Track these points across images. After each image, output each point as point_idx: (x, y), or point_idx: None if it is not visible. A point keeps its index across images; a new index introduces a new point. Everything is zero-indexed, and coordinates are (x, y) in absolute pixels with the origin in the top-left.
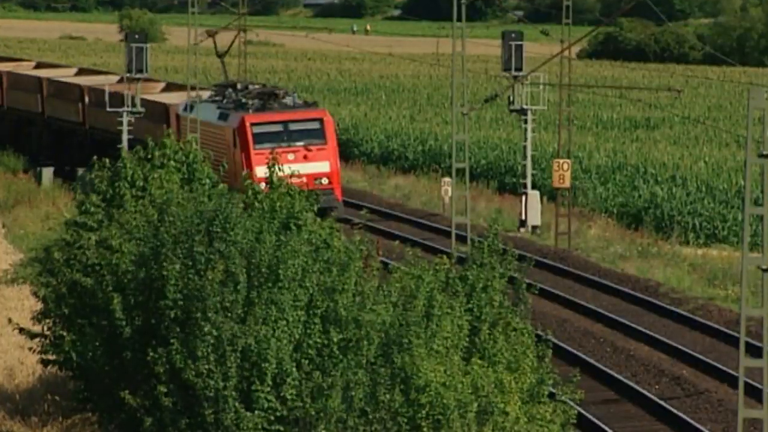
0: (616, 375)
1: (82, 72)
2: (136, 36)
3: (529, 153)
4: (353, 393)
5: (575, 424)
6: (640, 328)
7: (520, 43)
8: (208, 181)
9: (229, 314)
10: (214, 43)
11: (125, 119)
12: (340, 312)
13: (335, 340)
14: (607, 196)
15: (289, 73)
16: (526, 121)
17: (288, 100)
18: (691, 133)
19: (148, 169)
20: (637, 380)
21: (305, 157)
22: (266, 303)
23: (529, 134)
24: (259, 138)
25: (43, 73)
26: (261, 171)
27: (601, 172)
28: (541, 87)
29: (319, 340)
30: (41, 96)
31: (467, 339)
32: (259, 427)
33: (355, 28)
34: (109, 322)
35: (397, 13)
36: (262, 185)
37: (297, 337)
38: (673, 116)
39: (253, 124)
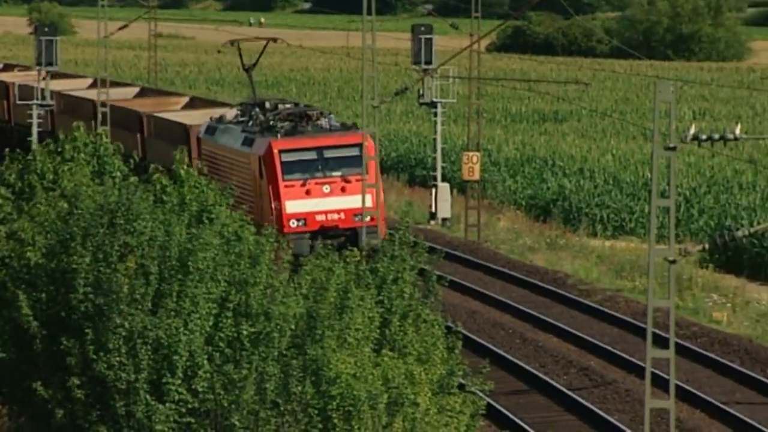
0: (525, 366)
1: (6, 68)
2: (46, 29)
3: (439, 146)
4: (265, 385)
5: (484, 414)
6: (548, 320)
7: (429, 36)
8: (118, 173)
9: (140, 306)
10: (240, 55)
11: (35, 112)
12: (251, 305)
13: (247, 332)
14: (516, 188)
15: (200, 66)
16: (435, 114)
17: (323, 122)
18: (599, 126)
19: (58, 162)
20: (545, 371)
21: (343, 190)
22: (177, 295)
23: (439, 127)
24: (289, 167)
25: None
26: (291, 206)
27: (510, 164)
28: (451, 80)
29: (230, 333)
30: None
31: (378, 331)
32: (171, 419)
33: (252, 21)
34: (17, 314)
35: (307, 6)
36: (294, 222)
37: (208, 329)
38: (580, 109)
39: (282, 151)
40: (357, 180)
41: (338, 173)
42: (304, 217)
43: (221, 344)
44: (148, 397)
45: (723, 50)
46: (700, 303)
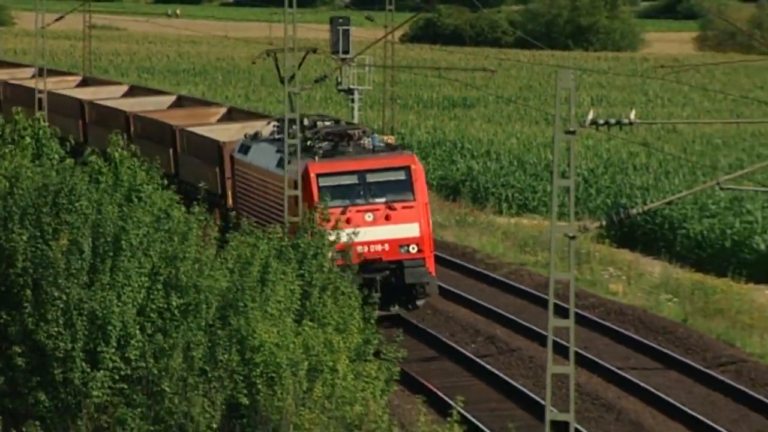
0: (435, 334)
1: None
2: None
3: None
4: (193, 353)
5: (398, 380)
6: (458, 291)
7: (347, 28)
8: (56, 156)
9: (76, 280)
10: (276, 65)
11: None
12: (180, 278)
13: (176, 304)
14: (428, 169)
15: (132, 55)
16: (353, 101)
17: (366, 142)
18: (504, 111)
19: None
20: (455, 339)
21: (387, 218)
22: (111, 270)
23: (356, 112)
24: (329, 192)
25: None
26: (330, 236)
27: (422, 147)
28: (367, 68)
29: (161, 305)
30: None
31: (299, 302)
32: (105, 385)
33: (169, 12)
34: None
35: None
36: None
37: (140, 301)
38: (487, 96)
39: (319, 176)
40: (403, 207)
41: (382, 200)
42: (344, 249)
43: (152, 315)
44: (84, 364)
45: (618, 41)
46: (597, 276)
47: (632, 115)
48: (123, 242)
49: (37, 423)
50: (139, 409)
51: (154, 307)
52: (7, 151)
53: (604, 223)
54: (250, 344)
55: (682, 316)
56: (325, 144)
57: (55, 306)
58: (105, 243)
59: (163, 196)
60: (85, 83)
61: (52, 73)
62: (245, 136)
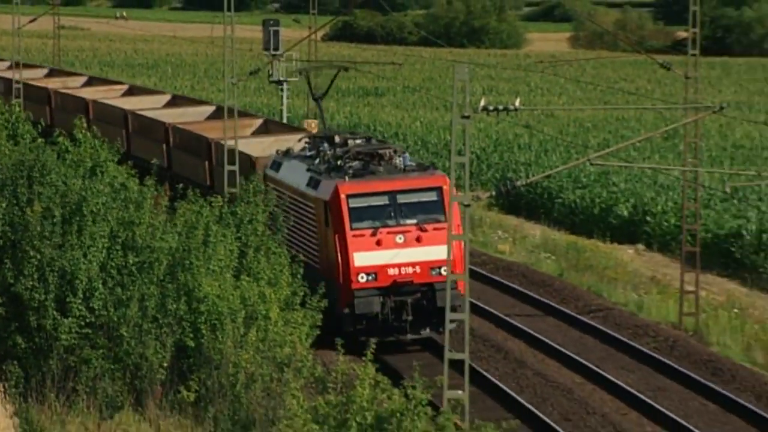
0: None
1: None
2: None
3: (285, 115)
4: (147, 304)
5: (320, 326)
6: None
7: (276, 28)
8: (28, 136)
9: (48, 242)
10: (309, 83)
11: None
12: (136, 240)
13: (132, 262)
14: None
15: (94, 51)
16: (282, 90)
17: (397, 162)
18: (410, 99)
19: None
20: None
21: (419, 240)
22: (77, 233)
23: (285, 100)
24: (358, 214)
25: None
26: (360, 258)
27: (342, 128)
28: (294, 63)
29: (119, 262)
30: None
31: (237, 261)
32: (72, 330)
33: (117, 15)
34: None
35: (179, 4)
36: (363, 277)
37: (102, 259)
38: (395, 86)
39: (350, 196)
40: (435, 229)
41: (413, 221)
42: (375, 272)
43: (112, 271)
44: (55, 313)
45: (505, 40)
46: (488, 238)
47: (517, 103)
48: (84, 209)
49: (15, 362)
50: (101, 351)
51: (113, 264)
52: None
53: (493, 193)
54: (195, 296)
55: (558, 271)
56: (355, 163)
57: (31, 263)
58: (71, 210)
59: (120, 170)
60: (90, 83)
61: (60, 73)
62: (277, 152)
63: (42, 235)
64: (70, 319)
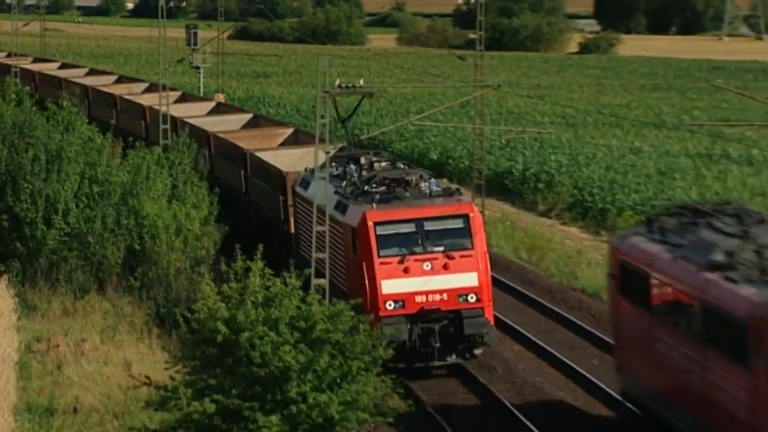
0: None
1: None
2: None
3: (201, 89)
4: (107, 220)
5: (228, 234)
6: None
7: (195, 30)
8: (29, 103)
9: (37, 177)
10: (335, 106)
11: None
12: (98, 176)
13: (96, 191)
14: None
15: (68, 46)
16: (199, 73)
17: (423, 187)
18: (288, 80)
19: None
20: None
21: (446, 267)
22: (57, 171)
23: (201, 80)
24: (386, 241)
25: None
26: (388, 286)
27: (240, 101)
28: (208, 54)
29: (88, 191)
30: None
31: (170, 190)
32: (55, 238)
33: (76, 20)
34: None
35: (128, 14)
36: (390, 304)
37: (75, 189)
38: (278, 71)
39: (377, 224)
40: (461, 256)
41: (440, 248)
42: (402, 299)
43: (83, 197)
44: (42, 226)
45: (353, 39)
46: None
47: (361, 82)
48: (62, 154)
49: (15, 260)
50: (75, 252)
51: (83, 192)
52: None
53: (345, 144)
54: (140, 214)
55: None
56: (382, 188)
57: (25, 192)
58: (52, 155)
59: (90, 130)
60: (150, 90)
61: (126, 78)
62: (305, 170)
63: (32, 172)
64: (53, 230)
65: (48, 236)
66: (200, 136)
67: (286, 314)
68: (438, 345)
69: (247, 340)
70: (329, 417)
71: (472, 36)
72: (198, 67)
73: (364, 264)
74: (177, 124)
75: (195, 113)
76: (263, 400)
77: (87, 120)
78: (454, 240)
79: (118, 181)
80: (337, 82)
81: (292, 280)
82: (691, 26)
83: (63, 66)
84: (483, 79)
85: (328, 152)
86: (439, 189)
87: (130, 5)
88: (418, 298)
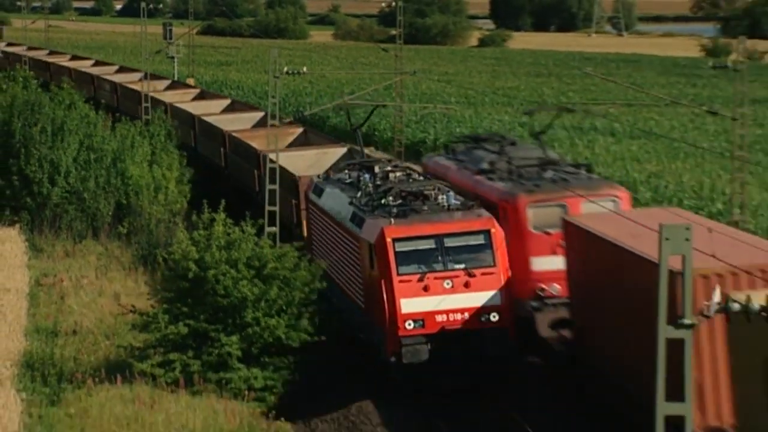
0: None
1: None
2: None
3: (176, 75)
4: (99, 179)
5: (191, 182)
6: None
7: (170, 27)
8: (34, 86)
9: (44, 145)
10: (348, 116)
11: None
12: (94, 144)
13: (92, 157)
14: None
15: (68, 39)
16: (174, 61)
17: (442, 200)
18: (246, 67)
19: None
20: None
21: (467, 285)
22: (60, 140)
23: (176, 67)
24: (405, 258)
25: None
26: (407, 305)
27: (207, 84)
28: (180, 46)
29: (84, 157)
30: None
31: (150, 156)
32: (58, 194)
33: (70, 18)
34: None
35: (116, 14)
36: (410, 324)
37: (74, 156)
38: (238, 60)
39: (396, 240)
40: (483, 274)
41: (461, 265)
42: (422, 318)
43: (80, 162)
44: (48, 185)
45: (299, 34)
46: None
47: (304, 69)
48: (64, 127)
49: (26, 212)
50: (74, 205)
51: (81, 158)
52: (11, 84)
53: (293, 119)
54: (126, 175)
55: None
56: (399, 201)
57: (34, 157)
58: (57, 128)
59: (86, 108)
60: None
61: (124, 69)
62: (318, 176)
63: (40, 141)
64: (56, 188)
65: (52, 193)
66: (216, 134)
67: (243, 255)
68: (459, 366)
69: (212, 276)
70: (277, 337)
71: (393, 32)
72: (173, 57)
73: (382, 282)
74: (195, 121)
75: (212, 111)
76: (225, 323)
77: (92, 100)
78: (476, 257)
79: (109, 148)
80: (285, 69)
81: (249, 228)
82: (567, 25)
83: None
84: (402, 67)
85: (277, 125)
86: (458, 202)
87: (118, 6)
88: (439, 318)
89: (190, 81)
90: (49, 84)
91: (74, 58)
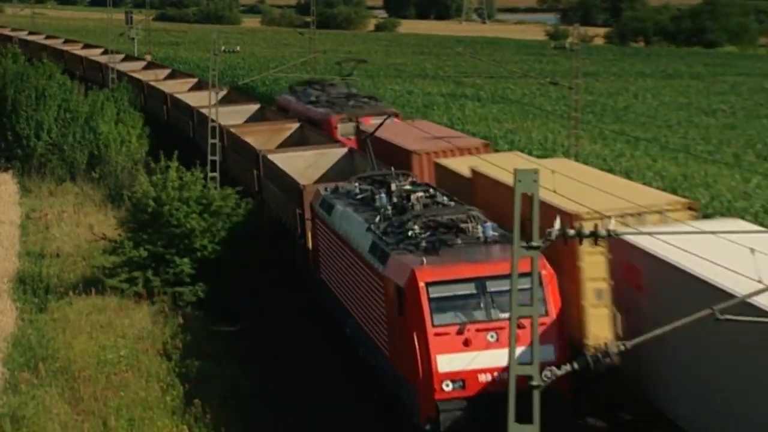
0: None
1: None
2: None
3: (136, 52)
4: (76, 135)
5: (148, 136)
6: None
7: (131, 14)
8: (22, 60)
9: (30, 107)
10: (358, 126)
11: None
12: (70, 106)
13: (69, 117)
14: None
15: (49, 24)
16: (134, 42)
17: (478, 232)
18: (192, 47)
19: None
20: None
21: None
22: (43, 104)
23: (136, 46)
24: (441, 306)
25: None
26: (445, 362)
27: (161, 59)
28: (139, 29)
29: (63, 117)
30: None
31: (116, 116)
32: (42, 148)
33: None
34: None
35: (87, 4)
36: (448, 385)
37: (55, 116)
38: (186, 41)
39: (430, 285)
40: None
41: (507, 315)
42: (463, 378)
43: (60, 120)
44: (34, 139)
45: (233, 20)
46: None
47: (238, 48)
48: (46, 93)
49: (17, 161)
50: (55, 156)
51: (59, 117)
52: (3, 60)
53: (229, 88)
54: (97, 131)
55: None
56: (428, 235)
57: (22, 117)
58: (39, 94)
59: (64, 78)
60: (148, 67)
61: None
62: (325, 189)
63: (27, 105)
64: (41, 142)
65: (38, 146)
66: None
67: (193, 194)
68: None
69: (167, 211)
70: (220, 259)
71: (308, 20)
72: (133, 38)
73: (414, 334)
74: (192, 112)
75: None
76: (178, 248)
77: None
78: (523, 302)
79: (83, 110)
80: (223, 47)
81: (197, 172)
82: (443, 14)
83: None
84: (315, 47)
85: (216, 93)
86: (496, 234)
87: None
88: (482, 377)
89: (147, 57)
90: (32, 58)
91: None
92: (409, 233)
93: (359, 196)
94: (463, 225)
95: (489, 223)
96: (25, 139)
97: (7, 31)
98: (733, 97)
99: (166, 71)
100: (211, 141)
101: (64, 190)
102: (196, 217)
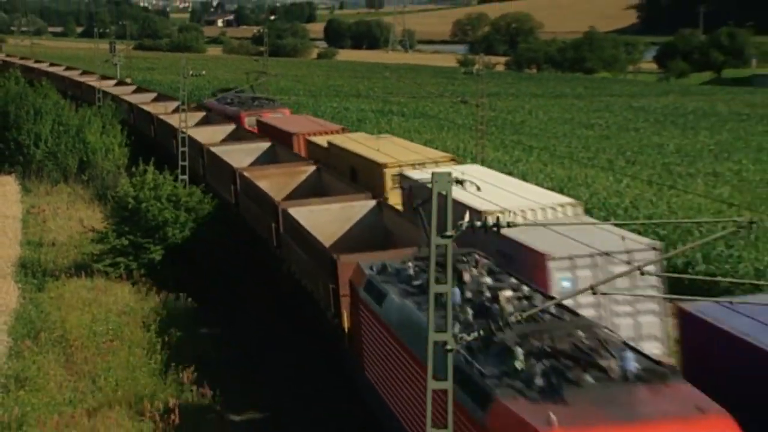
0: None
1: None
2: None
3: (118, 75)
4: (68, 144)
5: (128, 146)
6: None
7: (115, 44)
8: (23, 83)
9: (29, 121)
10: (409, 191)
11: None
12: (63, 121)
13: (62, 129)
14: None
15: (44, 53)
16: (117, 67)
17: (614, 365)
18: (165, 71)
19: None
20: None
21: None
22: (40, 119)
23: (118, 71)
24: None
25: None
26: None
27: (139, 82)
28: (121, 56)
29: (57, 130)
30: None
31: (101, 128)
32: (40, 155)
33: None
34: None
35: (77, 36)
36: None
37: (50, 129)
38: (161, 66)
39: None
40: None
41: None
42: None
43: (54, 132)
44: (33, 148)
45: (200, 50)
46: None
47: (203, 72)
48: (42, 110)
49: (19, 166)
50: (51, 161)
51: (54, 130)
52: (5, 81)
53: (198, 105)
54: (86, 141)
55: None
56: (541, 365)
57: (23, 129)
58: (36, 111)
59: (58, 98)
60: (138, 90)
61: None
62: (371, 268)
63: (26, 119)
64: (39, 150)
65: (36, 153)
66: (227, 170)
67: (165, 193)
68: None
69: (144, 207)
70: (186, 246)
71: (261, 49)
72: (116, 64)
73: None
74: (202, 150)
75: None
76: (153, 238)
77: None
78: None
79: (74, 123)
80: (191, 72)
81: (168, 175)
82: (373, 45)
83: (138, 90)
84: (267, 71)
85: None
86: (639, 366)
87: (79, 30)
88: None
89: (128, 80)
90: (32, 81)
91: (52, 64)
92: (517, 365)
93: (416, 283)
94: (586, 348)
95: (628, 353)
96: (25, 148)
97: (10, 59)
98: (607, 114)
99: (153, 95)
100: (181, 149)
101: (59, 190)
102: (168, 211)
